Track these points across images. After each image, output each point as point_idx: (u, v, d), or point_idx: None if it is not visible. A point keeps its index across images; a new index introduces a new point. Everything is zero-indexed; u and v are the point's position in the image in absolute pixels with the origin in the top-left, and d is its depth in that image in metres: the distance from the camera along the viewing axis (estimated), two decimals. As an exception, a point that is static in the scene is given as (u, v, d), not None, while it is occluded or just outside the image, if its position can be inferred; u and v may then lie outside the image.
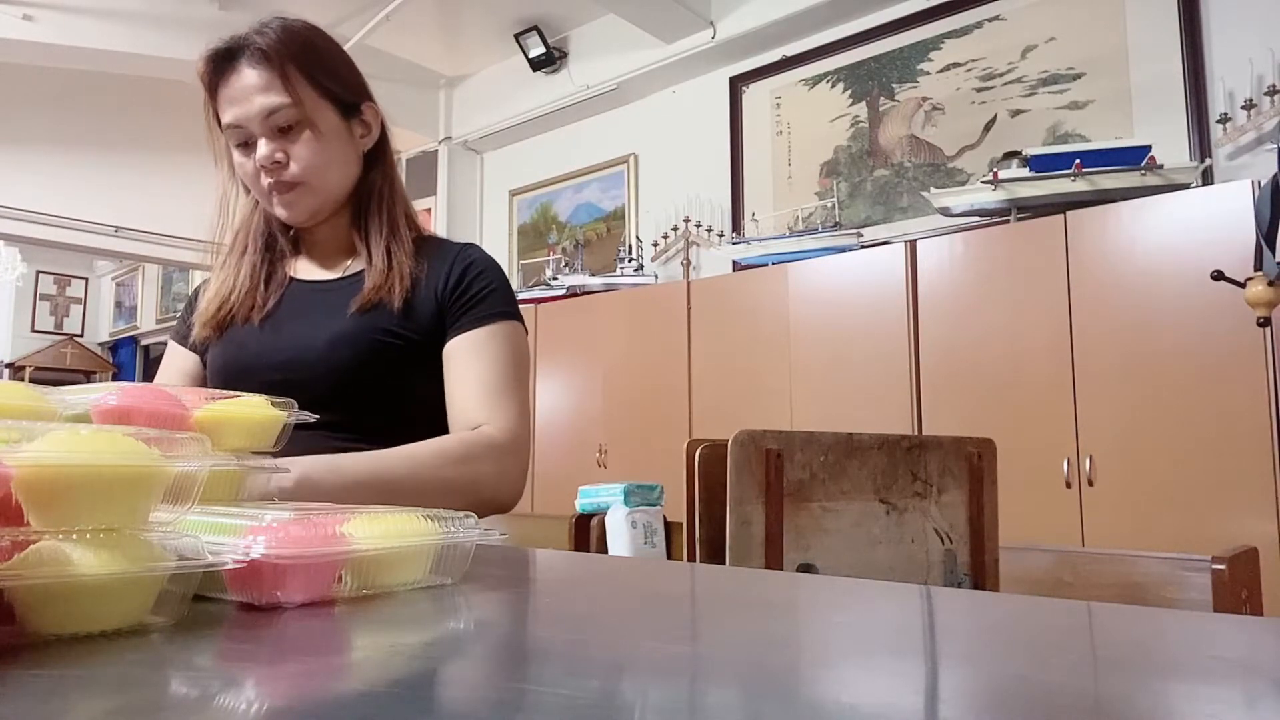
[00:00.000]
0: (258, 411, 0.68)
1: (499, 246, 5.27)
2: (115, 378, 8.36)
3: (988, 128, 3.52)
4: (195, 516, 0.50)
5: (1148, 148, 2.88)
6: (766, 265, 3.69)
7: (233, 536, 0.48)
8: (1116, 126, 3.19)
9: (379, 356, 1.07)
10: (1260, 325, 2.37)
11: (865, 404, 3.22)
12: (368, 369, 1.06)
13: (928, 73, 3.70)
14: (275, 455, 0.69)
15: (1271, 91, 2.82)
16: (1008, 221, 3.11)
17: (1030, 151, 3.07)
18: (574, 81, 4.71)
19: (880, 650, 0.42)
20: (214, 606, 0.48)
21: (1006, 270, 2.98)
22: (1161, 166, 2.85)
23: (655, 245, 4.42)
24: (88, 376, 8.40)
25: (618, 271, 4.34)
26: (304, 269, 1.19)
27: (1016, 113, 3.45)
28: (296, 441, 0.72)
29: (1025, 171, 3.04)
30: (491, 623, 0.49)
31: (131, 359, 8.61)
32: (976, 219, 3.29)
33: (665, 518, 1.98)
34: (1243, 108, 2.90)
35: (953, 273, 3.09)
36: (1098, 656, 0.40)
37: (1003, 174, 3.07)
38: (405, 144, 5.33)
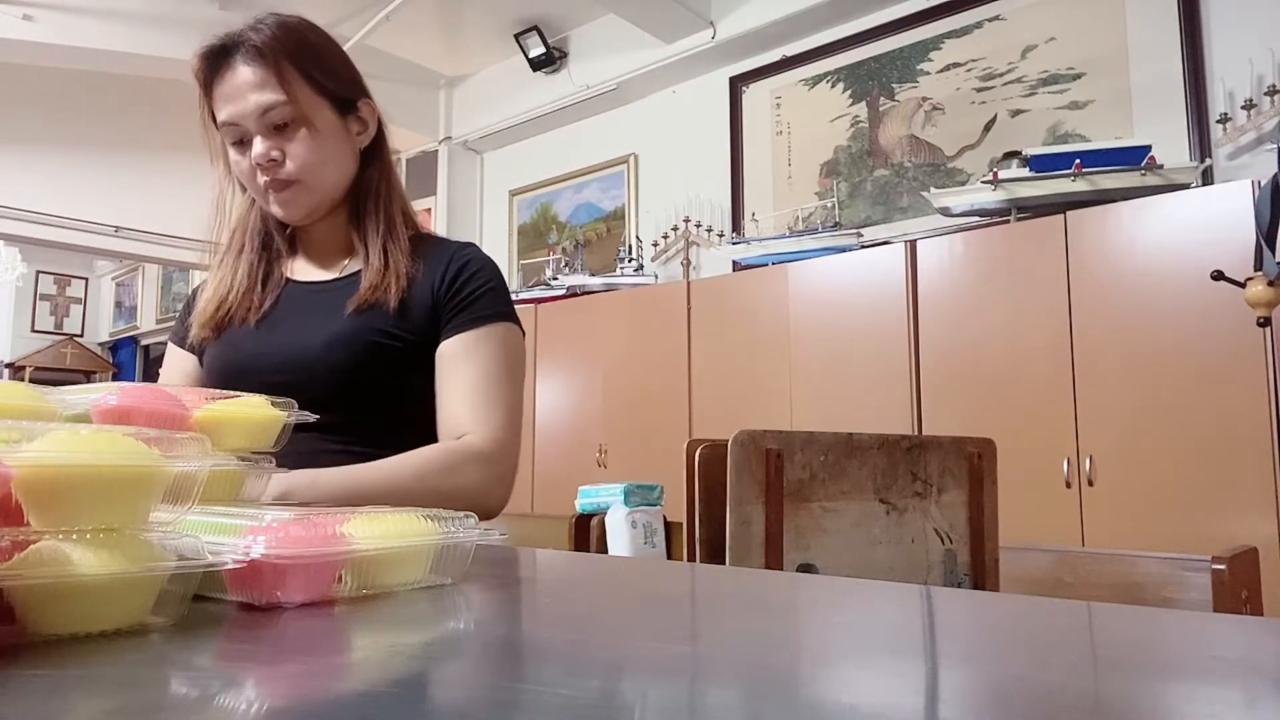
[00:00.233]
0: (258, 411, 0.68)
1: (499, 247, 5.27)
2: (115, 378, 8.36)
3: (988, 128, 3.52)
4: (195, 516, 0.50)
5: (1148, 148, 2.88)
6: (766, 265, 3.69)
7: (233, 536, 0.48)
8: (1116, 126, 3.19)
9: (376, 357, 1.06)
10: (1260, 325, 2.37)
11: (865, 404, 3.22)
12: (365, 369, 1.06)
13: (928, 73, 3.70)
14: (275, 456, 0.69)
15: (1271, 91, 2.82)
16: (1008, 221, 3.11)
17: (1030, 151, 3.06)
18: (574, 81, 4.71)
19: (880, 650, 0.42)
20: (214, 606, 0.48)
21: (1006, 270, 2.98)
22: (1161, 166, 2.85)
23: (655, 245, 4.42)
24: (88, 376, 8.40)
25: (618, 271, 4.34)
26: (300, 268, 1.18)
27: (1016, 113, 3.45)
28: (293, 443, 0.72)
29: (1025, 171, 3.04)
30: (491, 623, 0.49)
31: (131, 359, 8.61)
32: (976, 219, 3.29)
33: (665, 518, 1.98)
34: (1243, 108, 2.90)
35: (953, 273, 3.09)
36: (1098, 656, 0.40)
37: (1003, 174, 3.07)
38: (405, 144, 5.33)
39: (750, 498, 1.01)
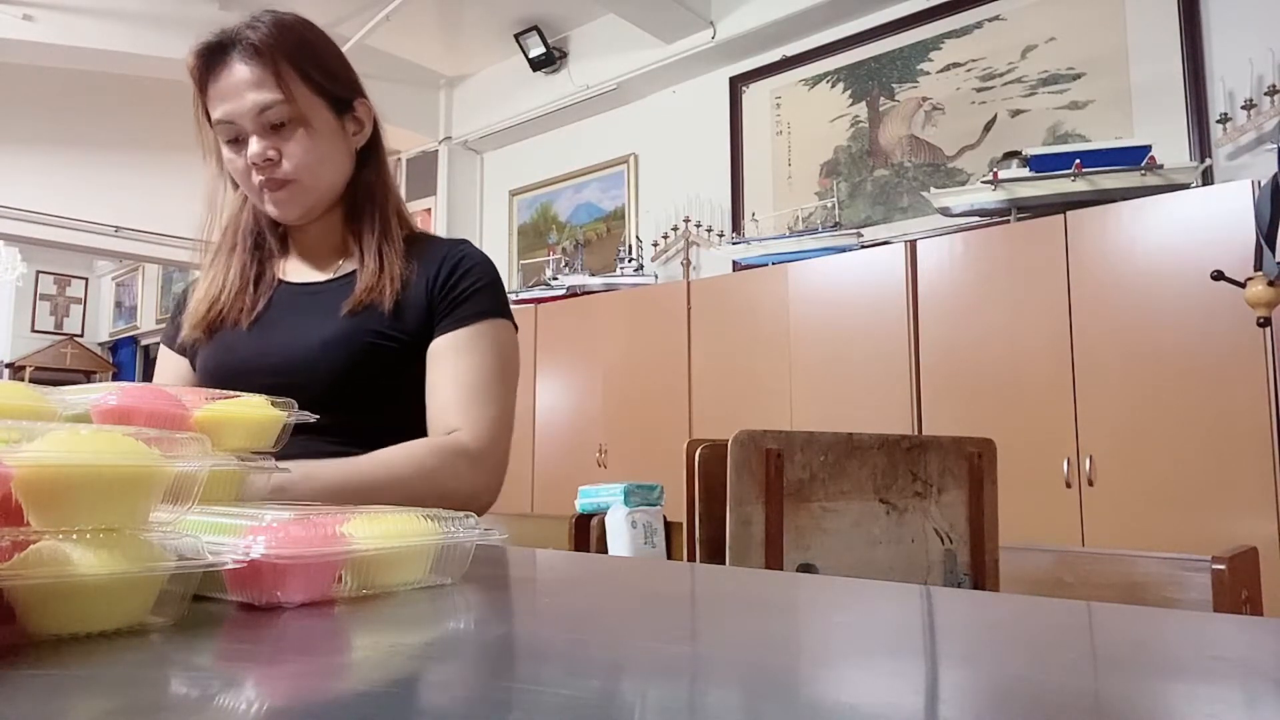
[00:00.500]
0: (258, 411, 0.68)
1: (499, 246, 5.27)
2: (115, 378, 8.36)
3: (988, 128, 3.52)
4: (195, 516, 0.50)
5: (1148, 148, 2.88)
6: (766, 265, 3.69)
7: (233, 536, 0.48)
8: (1116, 126, 3.19)
9: (372, 359, 1.05)
10: (1260, 325, 2.37)
11: (865, 404, 3.22)
12: (361, 371, 1.05)
13: (928, 73, 3.70)
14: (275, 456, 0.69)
15: (1271, 91, 2.82)
16: (1008, 221, 3.11)
17: (1030, 151, 3.07)
18: (574, 81, 4.71)
19: (880, 650, 0.42)
20: (214, 606, 0.48)
21: (1006, 270, 2.98)
22: (1161, 166, 2.85)
23: (655, 245, 4.42)
24: (88, 376, 8.40)
25: (618, 271, 4.34)
26: (293, 269, 1.16)
27: (1016, 113, 3.45)
28: (290, 445, 0.71)
29: (1025, 171, 3.04)
30: (491, 623, 0.49)
31: (131, 359, 8.61)
32: (976, 219, 3.29)
33: (665, 518, 1.98)
34: (1243, 108, 2.90)
35: (953, 273, 3.09)
36: (1098, 656, 0.40)
37: (1003, 174, 3.07)
38: (405, 144, 5.33)
39: (750, 498, 1.01)
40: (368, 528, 0.52)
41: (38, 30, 4.14)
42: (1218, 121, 2.94)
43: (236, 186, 1.14)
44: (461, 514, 0.58)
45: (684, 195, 4.37)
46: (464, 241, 1.17)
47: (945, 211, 3.29)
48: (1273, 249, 2.31)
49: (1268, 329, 2.44)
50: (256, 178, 1.06)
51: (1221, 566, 1.26)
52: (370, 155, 1.15)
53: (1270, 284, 2.29)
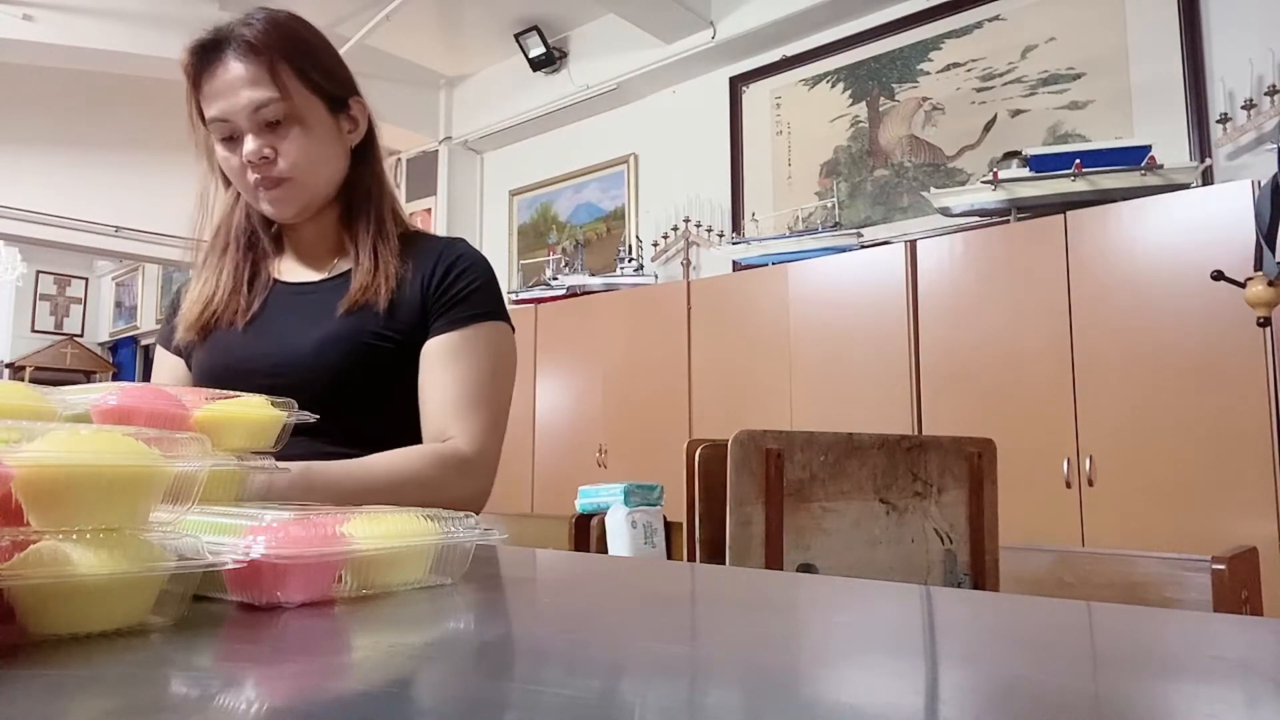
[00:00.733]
0: (258, 411, 0.68)
1: (499, 246, 5.27)
2: (115, 378, 8.36)
3: (988, 128, 3.52)
4: (195, 516, 0.50)
5: (1148, 148, 2.88)
6: (766, 265, 3.69)
7: (233, 536, 0.48)
8: (1116, 126, 3.19)
9: (368, 359, 1.05)
10: (1260, 325, 2.37)
11: (865, 404, 3.22)
12: (357, 371, 1.04)
13: (928, 73, 3.70)
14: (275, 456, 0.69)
15: (1271, 91, 2.82)
16: (1008, 221, 3.11)
17: (1030, 151, 3.06)
18: (574, 81, 4.71)
19: (880, 650, 0.42)
20: (214, 606, 0.48)
21: (1006, 270, 2.98)
22: (1161, 166, 2.85)
23: (655, 245, 4.42)
24: (88, 376, 8.40)
25: (618, 271, 4.34)
26: (288, 269, 1.16)
27: (1016, 113, 3.45)
28: (287, 446, 0.71)
29: (1025, 171, 3.04)
30: (491, 623, 0.49)
31: (131, 359, 8.61)
32: (976, 219, 3.29)
33: (665, 518, 1.98)
34: (1243, 108, 2.90)
35: (953, 273, 3.09)
36: (1098, 656, 0.40)
37: (1003, 174, 3.07)
38: (405, 144, 5.33)
39: (750, 498, 1.01)
40: (368, 528, 0.52)
41: (38, 30, 4.14)
42: (1218, 121, 2.94)
43: (229, 185, 1.13)
44: (461, 514, 0.58)
45: (684, 195, 4.37)
46: (459, 240, 1.17)
47: (945, 211, 3.29)
48: (1273, 249, 2.31)
49: (1268, 329, 2.44)
50: (252, 176, 1.05)
51: (1221, 566, 1.26)
52: (365, 153, 1.14)
53: (1270, 284, 2.29)
